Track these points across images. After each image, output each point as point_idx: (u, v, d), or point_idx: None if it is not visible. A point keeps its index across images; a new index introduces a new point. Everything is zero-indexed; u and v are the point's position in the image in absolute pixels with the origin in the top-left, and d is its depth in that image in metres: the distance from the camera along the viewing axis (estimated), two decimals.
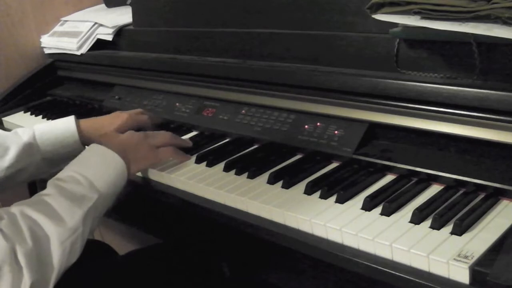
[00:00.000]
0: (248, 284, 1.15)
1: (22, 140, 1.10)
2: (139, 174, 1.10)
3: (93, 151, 0.96)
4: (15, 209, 0.80)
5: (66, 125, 1.14)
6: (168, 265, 1.11)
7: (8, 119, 1.61)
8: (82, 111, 1.54)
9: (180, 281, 1.09)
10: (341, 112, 1.00)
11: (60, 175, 0.90)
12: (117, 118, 1.18)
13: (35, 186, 1.64)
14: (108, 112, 1.45)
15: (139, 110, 1.25)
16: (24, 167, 1.10)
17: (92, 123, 1.17)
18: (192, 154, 1.09)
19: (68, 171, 0.91)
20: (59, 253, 0.79)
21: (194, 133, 1.23)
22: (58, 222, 0.80)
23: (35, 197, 0.86)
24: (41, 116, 1.56)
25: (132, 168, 0.99)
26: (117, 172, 0.94)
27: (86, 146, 1.12)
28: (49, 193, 0.85)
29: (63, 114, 1.50)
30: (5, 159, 1.08)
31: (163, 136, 1.07)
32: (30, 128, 1.13)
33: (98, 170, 0.92)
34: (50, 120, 1.51)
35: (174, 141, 1.08)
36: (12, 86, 1.72)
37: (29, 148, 1.10)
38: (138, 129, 1.14)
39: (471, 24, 0.77)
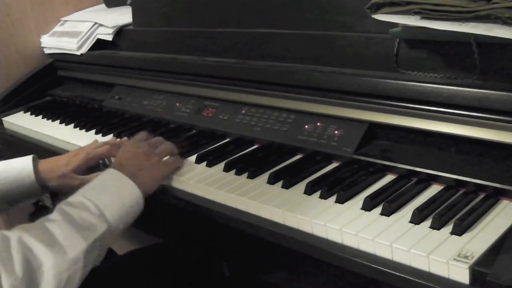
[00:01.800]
0: (248, 284, 1.15)
1: None
2: None
3: (108, 176, 0.92)
4: (13, 233, 0.75)
5: (23, 165, 1.08)
6: (168, 265, 1.11)
7: (8, 119, 1.61)
8: (82, 111, 1.54)
9: (180, 281, 1.09)
10: (341, 112, 1.00)
11: (70, 199, 0.86)
12: (74, 158, 1.10)
13: None
14: (108, 112, 1.46)
15: (98, 143, 1.16)
16: None
17: (50, 164, 1.10)
18: (192, 154, 1.09)
19: (78, 196, 0.86)
20: (53, 286, 0.73)
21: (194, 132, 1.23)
22: (58, 251, 0.75)
23: (39, 221, 0.81)
24: (41, 116, 1.56)
25: (144, 188, 0.93)
26: (130, 203, 0.89)
27: (42, 187, 1.08)
28: (54, 219, 0.80)
29: (63, 114, 1.51)
30: None
31: (166, 145, 1.06)
32: None
33: (110, 197, 0.87)
34: (50, 120, 1.51)
35: (173, 150, 1.07)
36: (12, 86, 1.72)
37: None
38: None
39: (471, 24, 0.77)
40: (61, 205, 0.84)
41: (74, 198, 0.85)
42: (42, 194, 1.14)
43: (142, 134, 1.11)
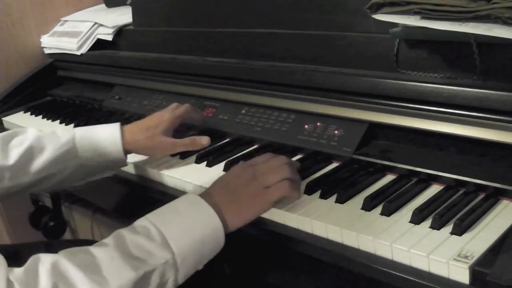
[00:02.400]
0: (249, 283, 1.15)
1: (59, 142, 0.99)
2: (137, 173, 1.10)
3: (184, 200, 0.78)
4: (48, 258, 0.67)
5: (109, 133, 1.01)
6: None
7: (8, 119, 1.61)
8: (82, 111, 1.54)
9: None
10: (341, 112, 1.00)
11: (135, 222, 0.75)
12: (160, 119, 1.04)
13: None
14: (108, 112, 1.46)
15: (179, 106, 1.10)
16: (58, 170, 0.99)
17: (136, 127, 1.04)
18: (192, 154, 1.09)
19: (144, 220, 0.75)
20: None
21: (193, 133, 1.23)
22: (98, 281, 0.65)
23: (90, 246, 0.71)
24: (41, 116, 1.56)
25: (232, 223, 0.78)
26: (206, 235, 0.74)
27: (126, 155, 1.03)
28: (106, 244, 0.71)
29: (63, 114, 1.51)
30: (39, 159, 0.97)
31: (281, 170, 0.83)
32: (70, 131, 1.02)
33: (180, 225, 0.73)
34: (50, 120, 1.51)
35: (292, 174, 0.84)
36: (12, 86, 1.72)
37: (66, 152, 0.99)
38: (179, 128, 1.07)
39: (471, 24, 0.77)
40: (122, 229, 0.73)
41: (138, 221, 0.75)
42: (120, 167, 1.07)
43: (263, 157, 0.88)
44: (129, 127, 1.04)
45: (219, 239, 0.77)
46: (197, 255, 0.74)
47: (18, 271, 0.65)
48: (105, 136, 1.01)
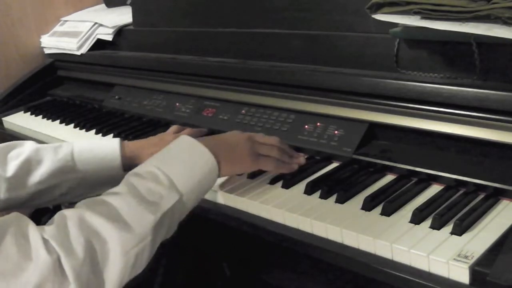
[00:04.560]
0: (248, 284, 1.15)
1: (57, 156, 0.99)
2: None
3: (181, 143, 0.84)
4: (73, 212, 0.70)
5: (109, 149, 1.01)
6: (169, 265, 1.11)
7: (8, 119, 1.61)
8: (82, 111, 1.54)
9: (180, 281, 1.09)
10: (341, 112, 1.00)
11: (139, 169, 0.79)
12: (162, 141, 1.04)
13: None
14: (108, 112, 1.46)
15: (180, 129, 1.12)
16: (55, 184, 0.98)
17: (138, 145, 1.04)
18: None
19: (148, 166, 0.79)
20: (121, 264, 0.68)
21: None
22: (123, 228, 0.69)
23: (103, 196, 0.75)
24: (41, 116, 1.56)
25: (223, 169, 0.85)
26: (204, 172, 0.81)
27: (126, 172, 0.98)
28: (120, 192, 0.75)
29: (63, 114, 1.51)
30: (36, 173, 0.97)
31: (271, 143, 0.93)
32: (69, 145, 1.02)
33: (183, 168, 0.79)
34: (50, 120, 1.51)
35: (282, 155, 0.93)
36: (12, 86, 1.72)
37: (64, 166, 0.98)
38: None
39: (471, 24, 0.77)
40: (129, 176, 0.78)
41: (143, 167, 0.79)
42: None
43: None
44: (130, 143, 1.04)
45: (214, 179, 0.84)
46: (197, 193, 0.81)
47: (49, 229, 0.67)
48: (104, 150, 1.01)
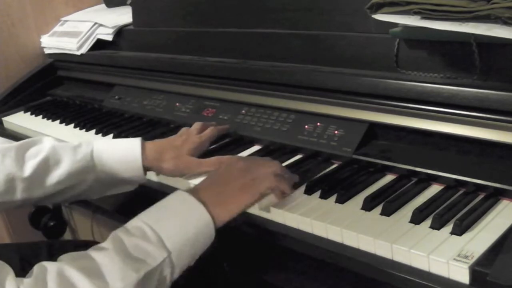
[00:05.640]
0: (249, 283, 1.15)
1: (76, 156, 0.97)
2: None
3: (175, 198, 0.80)
4: (53, 265, 0.68)
5: (129, 149, 0.99)
6: None
7: (8, 119, 1.61)
8: (82, 111, 1.54)
9: (180, 281, 1.09)
10: (341, 112, 1.00)
11: (129, 224, 0.76)
12: (187, 140, 1.02)
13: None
14: (108, 112, 1.46)
15: (204, 127, 1.09)
16: (74, 184, 0.97)
17: (161, 144, 1.02)
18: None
19: (138, 221, 0.76)
20: None
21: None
22: (102, 286, 0.67)
23: (88, 250, 0.73)
24: (41, 116, 1.56)
25: (221, 216, 0.80)
26: (197, 231, 0.76)
27: (147, 172, 1.00)
28: (105, 248, 0.72)
29: (63, 114, 1.51)
30: (55, 173, 0.95)
31: (269, 164, 0.88)
32: (88, 144, 1.00)
33: (173, 224, 0.75)
34: (50, 120, 1.51)
35: (281, 170, 0.88)
36: (12, 86, 1.72)
37: (83, 166, 0.97)
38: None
39: (471, 24, 0.77)
40: (117, 231, 0.75)
41: (132, 223, 0.76)
42: (141, 182, 1.02)
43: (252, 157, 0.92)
44: (152, 144, 1.01)
45: (210, 234, 0.79)
46: (191, 251, 0.77)
47: (27, 281, 0.66)
48: (125, 152, 0.99)
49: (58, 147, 0.98)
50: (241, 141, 1.12)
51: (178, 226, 0.76)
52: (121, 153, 0.98)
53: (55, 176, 0.95)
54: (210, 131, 1.08)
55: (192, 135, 1.05)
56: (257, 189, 0.84)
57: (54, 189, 0.96)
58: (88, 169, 0.97)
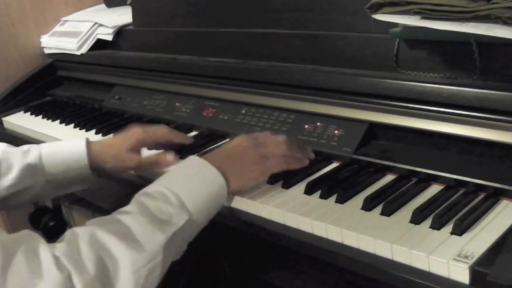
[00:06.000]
0: (248, 284, 1.15)
1: (26, 159, 1.02)
2: (131, 173, 1.09)
3: (190, 164, 0.85)
4: (84, 229, 0.71)
5: (75, 148, 1.04)
6: (170, 266, 1.10)
7: (8, 119, 1.61)
8: (82, 111, 1.54)
9: (180, 281, 1.09)
10: (341, 112, 1.00)
11: (149, 188, 0.80)
12: (128, 138, 1.05)
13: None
14: (108, 112, 1.46)
15: (160, 128, 1.12)
16: (26, 187, 1.02)
17: (103, 144, 1.06)
18: (192, 154, 1.09)
19: (158, 185, 0.80)
20: (132, 283, 0.68)
21: (194, 133, 1.23)
22: (134, 246, 0.70)
23: (113, 214, 0.75)
24: (41, 116, 1.56)
25: (233, 185, 0.85)
26: (212, 192, 0.82)
27: (94, 171, 1.05)
28: (130, 211, 0.75)
29: (63, 114, 1.51)
30: (7, 177, 1.00)
31: (278, 144, 0.92)
32: (37, 147, 1.05)
33: (192, 188, 0.80)
34: (50, 120, 1.51)
35: (291, 150, 0.92)
36: (12, 86, 1.72)
37: (33, 168, 1.02)
38: (156, 144, 1.07)
39: (471, 24, 0.77)
40: (139, 196, 0.78)
41: (152, 187, 0.80)
42: (93, 182, 1.07)
43: (263, 132, 0.95)
44: (96, 144, 1.06)
45: (223, 197, 0.84)
46: (207, 212, 0.81)
47: (60, 246, 0.67)
48: (71, 151, 1.03)
49: (8, 152, 1.03)
50: None
51: (196, 189, 0.80)
52: (67, 154, 1.03)
53: (7, 180, 1.00)
54: (161, 131, 1.08)
55: (136, 127, 1.07)
56: (268, 169, 0.89)
57: (8, 192, 1.00)
58: (38, 171, 1.02)
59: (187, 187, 0.80)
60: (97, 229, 0.70)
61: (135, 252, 0.69)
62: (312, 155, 0.97)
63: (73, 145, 1.04)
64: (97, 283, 0.65)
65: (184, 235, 0.77)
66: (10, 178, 1.00)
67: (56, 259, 0.65)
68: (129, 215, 0.74)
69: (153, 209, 0.75)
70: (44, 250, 0.65)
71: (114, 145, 1.05)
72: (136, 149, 1.05)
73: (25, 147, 1.05)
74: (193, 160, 0.85)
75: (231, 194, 0.87)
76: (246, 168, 0.88)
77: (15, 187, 1.01)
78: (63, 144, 1.06)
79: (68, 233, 0.71)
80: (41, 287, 0.62)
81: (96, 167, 1.05)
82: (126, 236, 0.70)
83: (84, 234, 0.69)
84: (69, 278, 0.64)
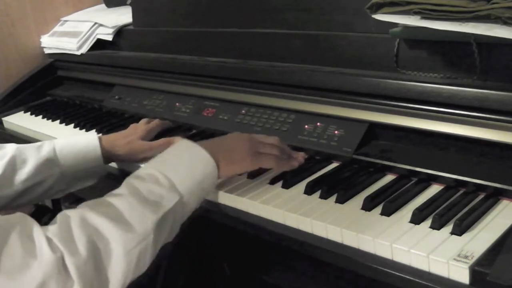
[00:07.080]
0: (248, 284, 1.15)
1: (40, 153, 1.03)
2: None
3: (180, 147, 0.87)
4: (75, 211, 0.72)
5: (88, 141, 1.08)
6: (169, 266, 1.10)
7: (8, 119, 1.61)
8: (82, 111, 1.54)
9: (180, 281, 1.09)
10: (341, 112, 1.00)
11: (139, 172, 0.81)
12: (136, 129, 1.15)
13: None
14: (108, 112, 1.46)
15: (150, 121, 1.21)
16: (41, 180, 1.02)
17: (114, 136, 1.12)
18: None
19: (148, 168, 0.81)
20: (124, 263, 0.70)
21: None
22: (125, 228, 0.71)
23: (104, 197, 0.76)
24: (41, 116, 1.56)
25: (223, 169, 0.87)
26: (203, 174, 0.83)
27: (107, 162, 1.09)
28: (121, 193, 0.76)
29: (63, 114, 1.51)
30: (23, 171, 1.01)
31: (271, 142, 0.95)
32: (49, 142, 1.07)
33: (182, 169, 0.82)
34: (50, 120, 1.51)
35: (282, 153, 0.95)
36: (12, 86, 1.72)
37: (48, 161, 1.03)
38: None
39: (471, 24, 0.77)
40: (129, 179, 0.80)
41: (142, 170, 0.81)
42: (103, 175, 1.11)
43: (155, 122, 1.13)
44: (105, 136, 1.12)
45: (214, 180, 0.86)
46: (198, 195, 0.83)
47: (53, 228, 0.69)
48: (84, 144, 1.07)
49: (22, 148, 1.04)
50: None
51: (187, 171, 0.82)
52: (81, 146, 1.06)
53: (23, 173, 1.00)
54: (157, 121, 1.20)
55: (140, 125, 1.17)
56: (258, 161, 0.91)
57: (23, 186, 1.00)
58: (53, 163, 1.03)
59: (177, 169, 0.81)
60: (88, 212, 0.71)
61: (126, 233, 0.70)
62: (302, 159, 0.97)
63: (86, 138, 1.09)
64: (89, 264, 0.67)
65: (175, 216, 0.78)
66: (26, 171, 1.00)
67: (49, 241, 0.66)
68: (119, 197, 0.75)
69: (143, 191, 0.76)
70: (38, 232, 0.67)
71: (126, 135, 1.12)
72: (146, 138, 1.12)
73: (37, 143, 1.07)
74: (183, 143, 0.87)
75: (221, 178, 0.89)
76: (238, 156, 0.89)
77: (31, 181, 1.01)
78: (75, 138, 1.10)
79: (59, 215, 0.72)
80: (35, 267, 0.64)
81: (109, 157, 1.09)
82: (117, 218, 0.72)
83: (75, 217, 0.70)
84: (62, 259, 0.65)
